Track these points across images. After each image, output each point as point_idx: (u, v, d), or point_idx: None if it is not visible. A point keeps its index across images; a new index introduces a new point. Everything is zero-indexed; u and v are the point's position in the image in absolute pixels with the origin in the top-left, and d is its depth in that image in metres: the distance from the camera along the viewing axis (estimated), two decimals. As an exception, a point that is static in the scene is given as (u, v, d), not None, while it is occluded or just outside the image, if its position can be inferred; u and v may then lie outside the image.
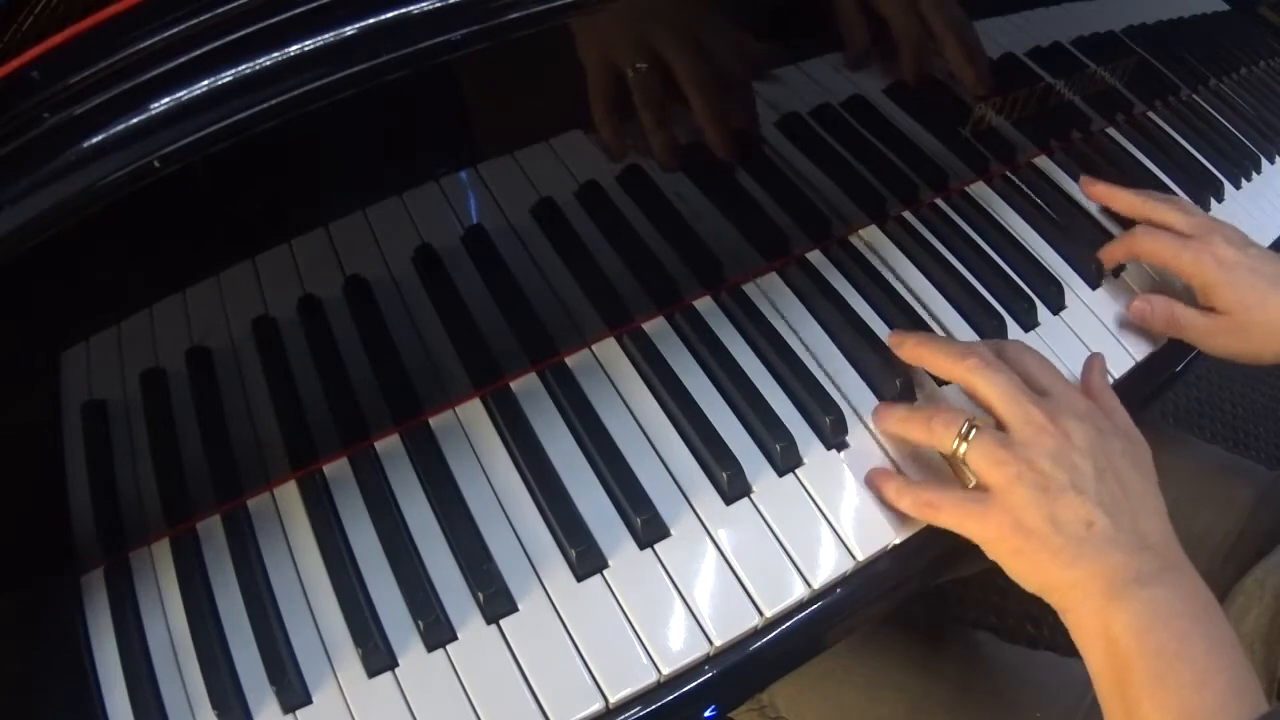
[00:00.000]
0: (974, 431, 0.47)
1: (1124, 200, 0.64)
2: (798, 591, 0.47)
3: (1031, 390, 0.48)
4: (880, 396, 0.54)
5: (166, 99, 0.34)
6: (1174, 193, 0.70)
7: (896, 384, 0.53)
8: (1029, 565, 0.45)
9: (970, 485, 0.49)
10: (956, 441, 0.47)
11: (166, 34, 0.35)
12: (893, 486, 0.50)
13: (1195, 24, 0.75)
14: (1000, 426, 0.48)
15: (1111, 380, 0.58)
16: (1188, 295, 0.60)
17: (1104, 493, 0.45)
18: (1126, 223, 0.64)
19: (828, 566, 0.48)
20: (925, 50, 0.56)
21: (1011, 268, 0.62)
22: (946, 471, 0.52)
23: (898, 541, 0.49)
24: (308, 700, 0.44)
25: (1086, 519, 0.44)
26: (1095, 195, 0.65)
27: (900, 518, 0.49)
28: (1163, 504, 0.47)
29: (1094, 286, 0.62)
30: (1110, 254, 0.62)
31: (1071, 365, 0.57)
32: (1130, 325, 0.60)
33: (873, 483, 0.50)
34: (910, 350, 0.53)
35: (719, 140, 0.51)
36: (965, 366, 0.49)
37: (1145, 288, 0.63)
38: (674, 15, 0.45)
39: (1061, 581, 0.45)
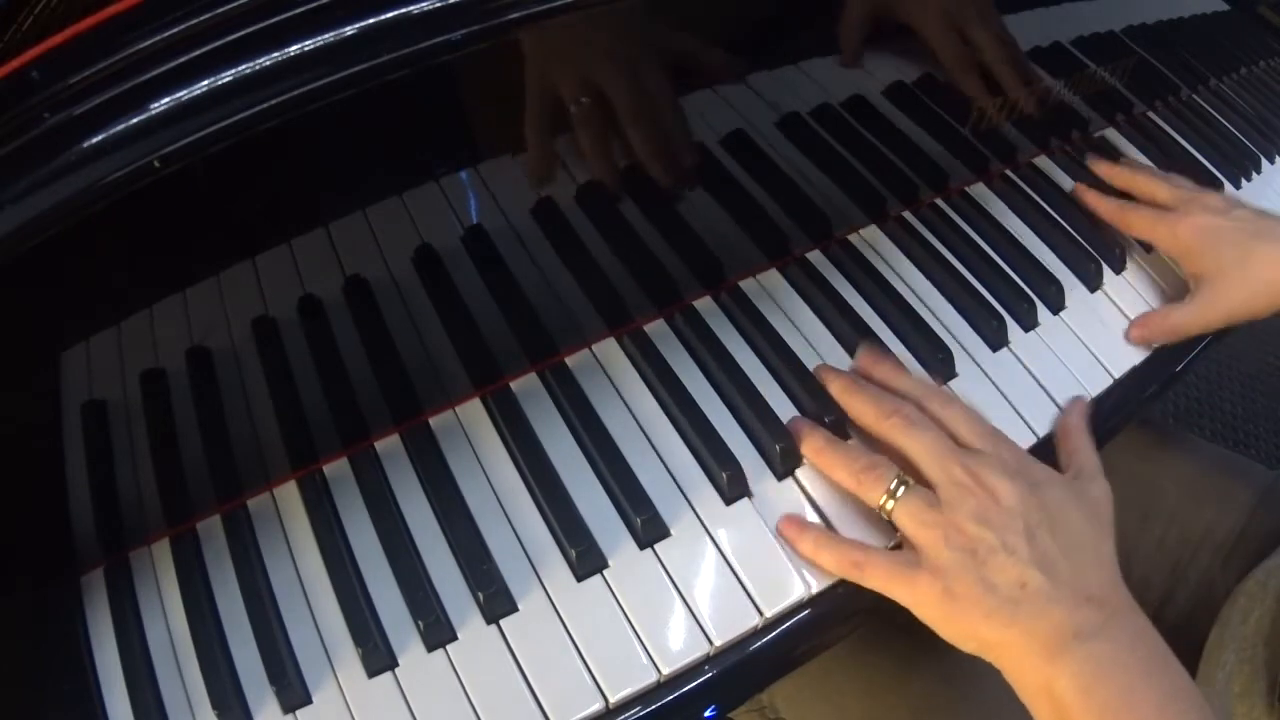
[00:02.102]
0: (903, 489, 0.46)
1: (1108, 201, 0.64)
2: (798, 591, 0.47)
3: (959, 446, 0.47)
4: (880, 396, 0.54)
5: (166, 99, 0.34)
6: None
7: (896, 384, 0.53)
8: (962, 628, 0.44)
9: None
10: (884, 498, 0.46)
11: (166, 34, 0.35)
12: (810, 540, 0.47)
13: (1195, 24, 0.75)
14: (927, 484, 0.46)
15: (1112, 380, 0.58)
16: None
17: (1036, 550, 0.43)
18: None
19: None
20: (953, 53, 0.57)
21: (1011, 268, 0.62)
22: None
23: (898, 539, 0.49)
24: (308, 700, 0.44)
25: (1019, 579, 0.43)
26: (1088, 204, 0.65)
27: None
28: (1111, 550, 0.46)
29: (1093, 288, 0.62)
30: (1100, 207, 0.63)
31: (1072, 366, 0.57)
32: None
33: (786, 534, 0.48)
34: (836, 392, 0.51)
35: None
36: (889, 424, 0.48)
37: (1148, 286, 0.63)
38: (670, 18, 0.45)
39: (998, 642, 0.43)
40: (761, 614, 0.46)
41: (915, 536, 0.45)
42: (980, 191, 0.66)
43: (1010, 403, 0.55)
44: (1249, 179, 0.75)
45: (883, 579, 0.45)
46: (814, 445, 0.49)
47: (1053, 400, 0.56)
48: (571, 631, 0.46)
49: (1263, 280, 0.56)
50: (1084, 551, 0.45)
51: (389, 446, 0.51)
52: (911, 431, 0.47)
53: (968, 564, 0.43)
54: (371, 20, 0.36)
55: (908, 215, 0.63)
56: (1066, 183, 0.69)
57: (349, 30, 0.36)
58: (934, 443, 0.46)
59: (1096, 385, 0.57)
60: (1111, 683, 0.41)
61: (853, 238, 0.62)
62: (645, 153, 0.48)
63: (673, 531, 0.48)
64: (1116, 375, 0.58)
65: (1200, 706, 0.42)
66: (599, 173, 0.48)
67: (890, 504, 0.46)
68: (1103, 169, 0.67)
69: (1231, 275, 0.57)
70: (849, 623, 0.49)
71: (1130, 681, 0.41)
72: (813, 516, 0.49)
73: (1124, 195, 0.65)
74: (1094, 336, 0.59)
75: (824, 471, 0.49)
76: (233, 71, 0.35)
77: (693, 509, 0.49)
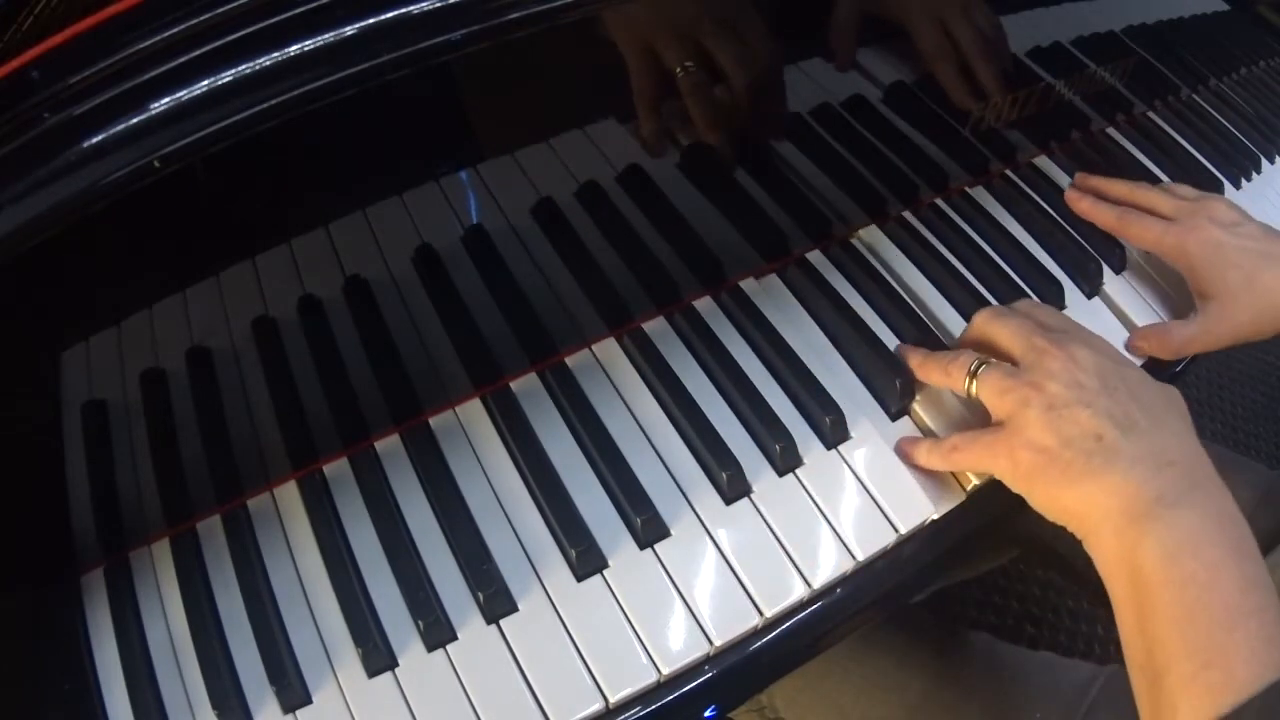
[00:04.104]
0: (982, 367, 0.48)
1: (1107, 210, 0.63)
2: (798, 591, 0.47)
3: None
4: (880, 397, 0.54)
5: (166, 99, 0.34)
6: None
7: (896, 384, 0.53)
8: (1044, 489, 0.45)
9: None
10: (967, 380, 0.48)
11: (166, 34, 0.35)
12: (923, 449, 0.51)
13: (1195, 24, 0.75)
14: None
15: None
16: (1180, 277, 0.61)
17: (1113, 406, 0.44)
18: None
19: (828, 567, 0.48)
20: (941, 51, 0.57)
21: (1011, 267, 0.62)
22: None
23: (897, 541, 0.49)
24: (308, 700, 0.44)
25: (1095, 432, 0.44)
26: (1082, 212, 0.64)
27: (900, 517, 0.49)
28: (1189, 428, 0.46)
29: (1093, 288, 0.62)
30: (1097, 216, 0.63)
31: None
32: (1130, 324, 0.60)
33: (903, 452, 0.52)
34: (917, 370, 0.54)
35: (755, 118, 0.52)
36: (980, 316, 0.51)
37: (1148, 286, 0.63)
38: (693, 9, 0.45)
39: (1077, 501, 0.44)
40: (761, 614, 0.46)
41: (998, 406, 0.47)
42: (980, 192, 0.66)
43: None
44: (1249, 179, 0.75)
45: (974, 454, 0.48)
46: (915, 360, 0.53)
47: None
48: (571, 631, 0.46)
49: (1270, 305, 0.56)
50: (1162, 420, 0.45)
51: (389, 446, 0.51)
52: (996, 319, 0.51)
53: (1046, 418, 0.45)
54: (371, 20, 0.36)
55: (908, 215, 0.63)
56: (1067, 183, 0.68)
57: (349, 30, 0.36)
58: (1018, 324, 0.50)
59: (1096, 385, 0.57)
60: (1197, 556, 0.40)
61: (853, 238, 0.62)
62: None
63: (673, 531, 0.48)
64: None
65: (1276, 605, 0.40)
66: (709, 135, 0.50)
67: (973, 385, 0.48)
68: (1096, 182, 0.65)
69: (1239, 298, 0.56)
70: (849, 623, 0.49)
71: (1215, 558, 0.40)
72: (817, 514, 0.49)
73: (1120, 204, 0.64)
74: (1094, 336, 0.59)
75: (923, 379, 0.53)
76: (233, 71, 0.35)
77: (693, 509, 0.49)
